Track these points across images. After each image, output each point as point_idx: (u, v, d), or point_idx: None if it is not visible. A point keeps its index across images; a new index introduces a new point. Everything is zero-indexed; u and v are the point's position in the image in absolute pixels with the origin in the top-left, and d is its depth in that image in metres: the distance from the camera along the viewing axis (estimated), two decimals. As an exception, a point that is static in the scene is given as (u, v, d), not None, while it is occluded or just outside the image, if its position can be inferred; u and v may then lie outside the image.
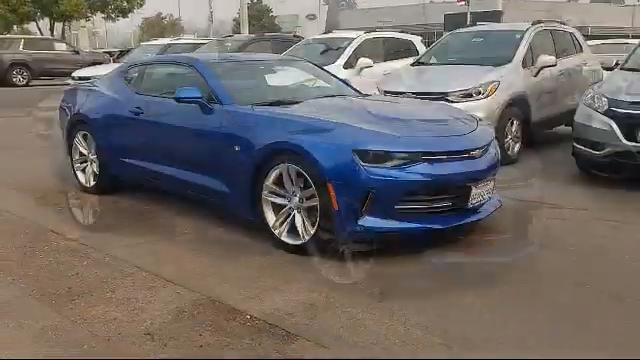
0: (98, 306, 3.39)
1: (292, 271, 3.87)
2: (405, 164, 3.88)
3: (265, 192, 4.28)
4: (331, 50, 9.73)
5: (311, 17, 65.59)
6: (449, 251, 4.17)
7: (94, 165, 5.95)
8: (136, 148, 5.44)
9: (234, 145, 4.45)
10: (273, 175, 4.22)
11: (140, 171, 5.43)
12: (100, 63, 21.97)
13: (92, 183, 5.97)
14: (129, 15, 32.75)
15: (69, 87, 6.70)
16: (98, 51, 30.71)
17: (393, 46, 10.34)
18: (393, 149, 3.90)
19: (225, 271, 3.91)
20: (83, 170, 6.10)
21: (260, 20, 52.11)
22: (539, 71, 7.61)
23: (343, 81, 5.90)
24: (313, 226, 4.03)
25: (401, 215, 3.92)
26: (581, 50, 8.97)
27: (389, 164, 3.87)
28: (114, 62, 22.73)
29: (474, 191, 4.10)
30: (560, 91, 8.12)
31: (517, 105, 7.24)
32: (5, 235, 4.69)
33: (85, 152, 6.04)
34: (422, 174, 3.89)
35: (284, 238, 4.22)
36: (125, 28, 60.54)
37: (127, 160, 5.52)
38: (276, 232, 4.26)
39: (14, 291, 3.63)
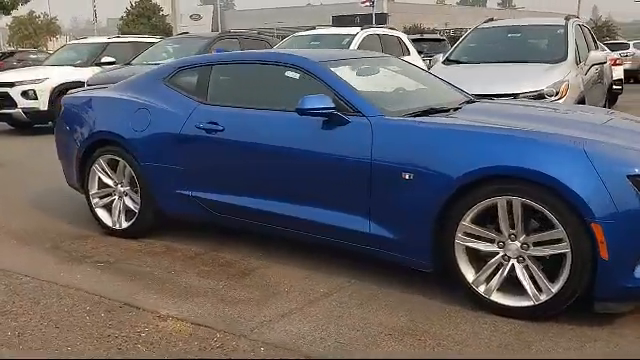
0: None
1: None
2: (674, 192, 2.91)
3: (459, 234, 3.12)
4: (329, 47, 8.56)
5: (195, 17, 63.16)
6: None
7: (127, 199, 4.44)
8: (209, 176, 4.03)
9: (401, 172, 3.25)
10: (475, 212, 3.08)
11: (213, 206, 4.03)
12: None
13: (125, 224, 4.44)
14: (12, 12, 29.17)
15: (72, 95, 5.00)
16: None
17: (389, 43, 9.39)
18: (666, 173, 2.91)
19: None
20: (107, 206, 4.55)
21: (150, 19, 49.12)
22: (589, 68, 6.98)
23: (443, 80, 4.80)
24: (553, 281, 2.94)
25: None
26: (597, 47, 8.52)
27: (658, 193, 2.88)
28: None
29: None
30: (599, 90, 7.58)
31: (579, 106, 6.53)
32: (57, 316, 3.14)
33: (111, 182, 4.51)
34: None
35: (496, 298, 3.09)
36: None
37: (190, 192, 4.09)
38: (480, 290, 3.12)
39: None
